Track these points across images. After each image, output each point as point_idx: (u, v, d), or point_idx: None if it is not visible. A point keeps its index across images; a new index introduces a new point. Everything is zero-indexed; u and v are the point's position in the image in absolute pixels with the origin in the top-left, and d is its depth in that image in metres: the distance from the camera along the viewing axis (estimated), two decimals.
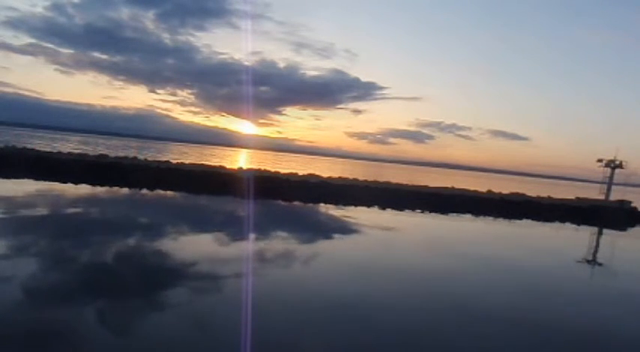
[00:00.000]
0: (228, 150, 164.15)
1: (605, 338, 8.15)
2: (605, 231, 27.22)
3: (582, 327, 8.59)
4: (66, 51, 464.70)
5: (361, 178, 35.87)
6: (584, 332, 8.30)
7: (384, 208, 26.17)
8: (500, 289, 10.86)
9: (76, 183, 23.97)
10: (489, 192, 36.40)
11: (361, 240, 16.02)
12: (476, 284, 10.91)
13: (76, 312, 6.79)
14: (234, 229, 15.61)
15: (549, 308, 9.55)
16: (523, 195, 35.95)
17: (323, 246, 14.20)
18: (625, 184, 39.56)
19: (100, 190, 23.14)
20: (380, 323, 7.47)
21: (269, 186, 28.09)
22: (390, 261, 12.63)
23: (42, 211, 15.35)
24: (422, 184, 38.04)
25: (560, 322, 8.61)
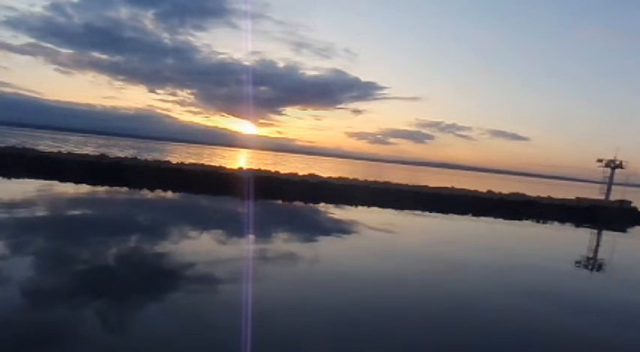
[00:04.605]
0: (228, 150, 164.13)
1: (606, 341, 8.16)
2: (605, 231, 27.21)
3: (581, 328, 8.60)
4: (65, 51, 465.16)
5: (361, 178, 35.88)
6: (581, 334, 8.31)
7: (384, 208, 26.16)
8: (500, 289, 10.85)
9: (76, 182, 23.97)
10: (489, 192, 36.40)
11: (362, 240, 16.01)
12: (477, 286, 10.90)
13: (76, 312, 6.78)
14: (234, 229, 15.61)
15: (550, 311, 9.56)
16: (523, 195, 35.94)
17: (324, 246, 14.18)
18: (625, 184, 39.53)
19: (100, 190, 23.13)
20: (377, 324, 7.47)
21: (269, 186, 28.09)
22: (390, 262, 12.63)
23: (42, 211, 15.34)
24: (422, 184, 38.03)
25: (561, 325, 8.62)
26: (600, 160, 37.28)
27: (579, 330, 8.40)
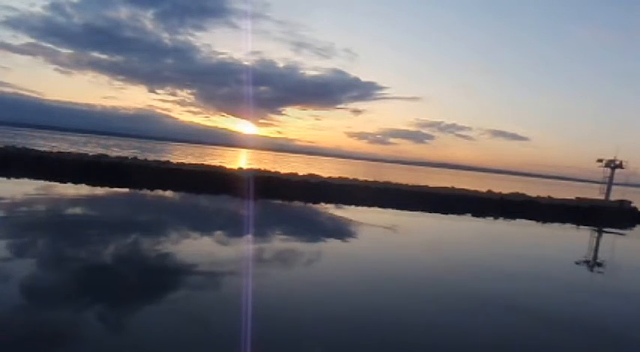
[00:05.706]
0: (228, 150, 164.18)
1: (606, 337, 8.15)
2: (605, 231, 27.20)
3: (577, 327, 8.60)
4: (65, 51, 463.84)
5: (361, 178, 35.87)
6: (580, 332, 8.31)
7: (384, 208, 26.16)
8: (500, 290, 10.85)
9: (75, 183, 23.96)
10: (489, 192, 36.40)
11: (362, 241, 16.01)
12: (477, 286, 10.90)
13: (76, 312, 6.78)
14: (234, 229, 15.60)
15: (550, 311, 9.56)
16: (523, 195, 35.94)
17: (324, 247, 14.18)
18: (625, 184, 39.54)
19: (99, 190, 23.13)
20: (375, 325, 7.47)
21: (269, 186, 28.08)
22: (390, 262, 12.62)
23: (41, 211, 15.34)
24: (422, 184, 38.03)
25: (560, 326, 8.62)
26: (600, 160, 37.27)
27: (578, 330, 8.41)
